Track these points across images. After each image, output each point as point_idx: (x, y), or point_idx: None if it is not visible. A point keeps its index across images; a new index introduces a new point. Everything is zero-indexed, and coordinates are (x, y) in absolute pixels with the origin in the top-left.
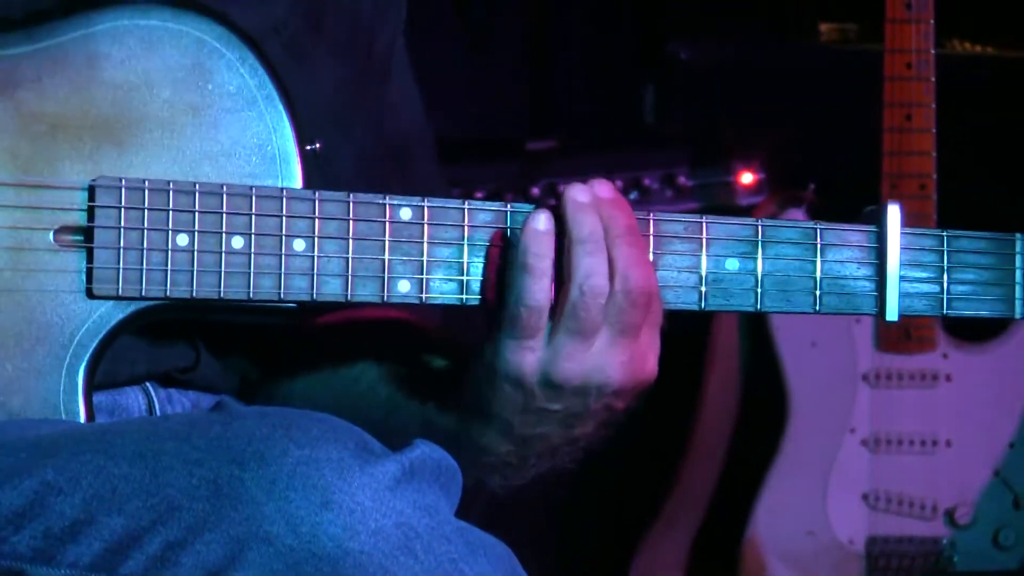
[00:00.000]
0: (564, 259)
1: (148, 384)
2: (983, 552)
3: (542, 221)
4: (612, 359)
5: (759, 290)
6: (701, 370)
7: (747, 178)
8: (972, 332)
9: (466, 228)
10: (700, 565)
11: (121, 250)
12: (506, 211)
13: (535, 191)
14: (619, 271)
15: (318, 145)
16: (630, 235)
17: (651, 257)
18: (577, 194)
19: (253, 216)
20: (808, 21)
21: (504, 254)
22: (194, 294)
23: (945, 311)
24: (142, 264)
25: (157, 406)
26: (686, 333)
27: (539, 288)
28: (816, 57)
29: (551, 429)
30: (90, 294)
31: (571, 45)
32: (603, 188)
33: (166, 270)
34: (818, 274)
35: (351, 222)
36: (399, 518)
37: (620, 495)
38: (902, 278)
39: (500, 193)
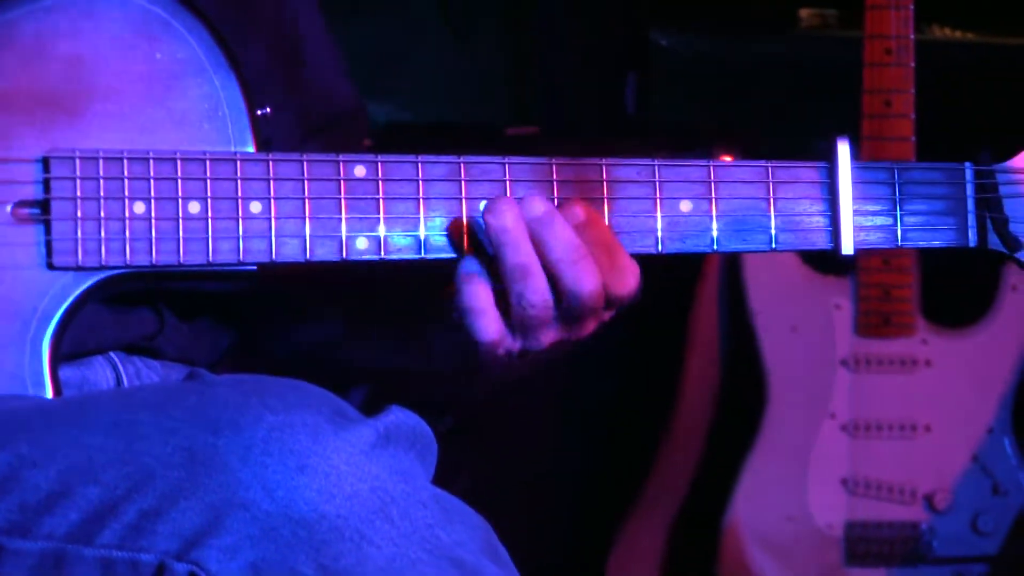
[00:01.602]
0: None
1: (115, 356)
2: (962, 537)
3: (471, 265)
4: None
5: (715, 230)
6: (680, 355)
7: None
8: (951, 317)
9: (420, 183)
10: (678, 550)
11: (79, 221)
12: (459, 163)
13: None
14: (566, 290)
15: (268, 110)
16: (570, 254)
17: (605, 205)
18: (499, 217)
19: (208, 181)
20: (788, 8)
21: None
22: (154, 261)
23: (900, 243)
24: (100, 234)
25: (125, 379)
26: (665, 318)
27: (481, 323)
28: (796, 44)
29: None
30: (51, 266)
31: (553, 32)
32: (534, 205)
33: (124, 239)
34: (772, 211)
35: (306, 182)
36: (375, 483)
37: (599, 480)
38: (855, 212)
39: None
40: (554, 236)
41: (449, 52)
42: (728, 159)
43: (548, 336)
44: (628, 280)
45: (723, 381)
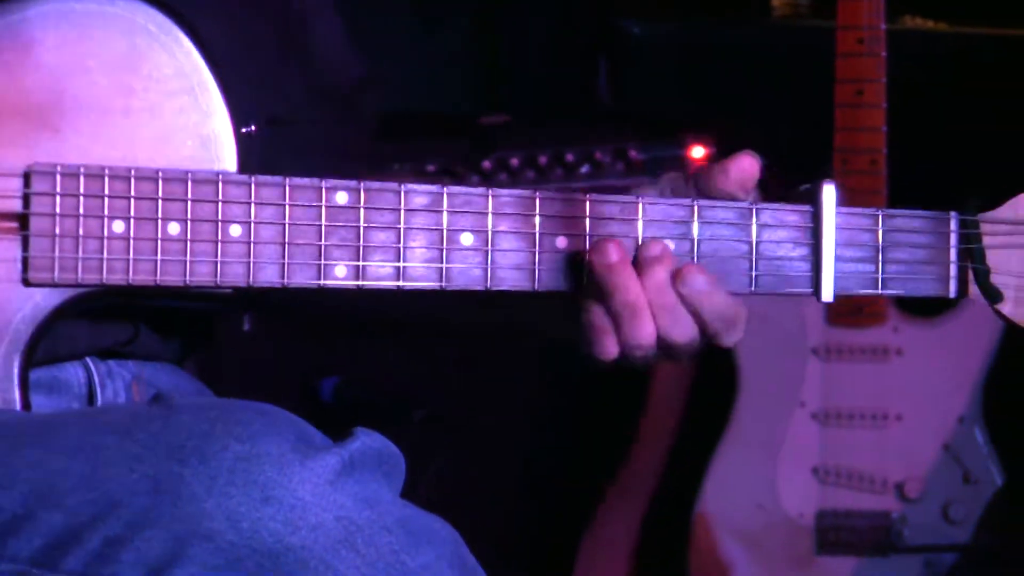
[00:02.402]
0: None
1: (88, 359)
2: (933, 526)
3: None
4: None
5: (685, 264)
6: None
7: (698, 152)
8: (923, 306)
9: (402, 212)
10: (650, 540)
11: (57, 238)
12: (442, 193)
13: (486, 165)
14: (661, 334)
15: (253, 128)
16: (661, 297)
17: (587, 241)
18: (607, 255)
19: (189, 202)
20: None
21: None
22: (130, 281)
23: (880, 290)
24: (78, 252)
25: (97, 379)
26: None
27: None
28: (768, 33)
29: None
30: (26, 282)
31: (524, 20)
32: (652, 248)
33: (102, 258)
34: (754, 254)
35: (287, 207)
36: (340, 512)
37: (570, 470)
38: (838, 257)
39: (452, 167)
40: (652, 278)
41: (420, 41)
42: (700, 148)
43: (652, 363)
44: (739, 332)
45: (694, 370)
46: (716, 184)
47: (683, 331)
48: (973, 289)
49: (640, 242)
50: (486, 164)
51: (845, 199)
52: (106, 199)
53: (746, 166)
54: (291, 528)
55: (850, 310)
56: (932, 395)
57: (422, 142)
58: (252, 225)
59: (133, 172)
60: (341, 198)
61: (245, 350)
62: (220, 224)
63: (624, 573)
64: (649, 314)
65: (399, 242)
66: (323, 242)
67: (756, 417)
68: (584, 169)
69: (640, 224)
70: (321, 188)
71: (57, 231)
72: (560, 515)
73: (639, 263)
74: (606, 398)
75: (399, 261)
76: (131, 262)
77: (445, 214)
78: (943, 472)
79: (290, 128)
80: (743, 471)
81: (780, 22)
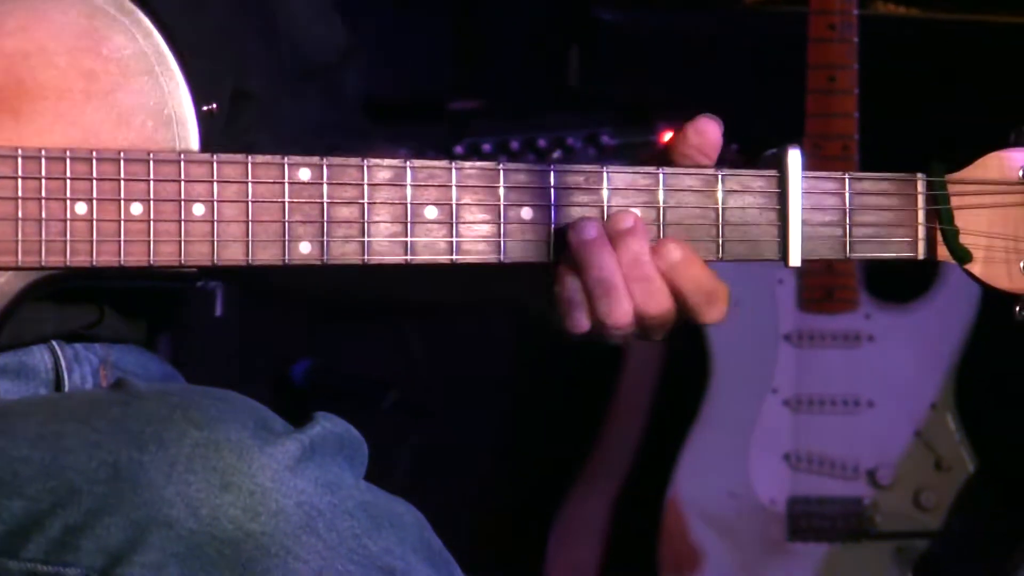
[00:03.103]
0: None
1: (54, 342)
2: (904, 513)
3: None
4: None
5: (660, 239)
6: None
7: (670, 138)
8: (895, 293)
9: (366, 187)
10: (621, 525)
11: (19, 221)
12: (405, 167)
13: (458, 150)
14: (636, 308)
15: (215, 106)
16: (637, 271)
17: (552, 212)
18: (584, 232)
19: (151, 182)
20: None
21: None
22: (94, 263)
23: (848, 254)
24: (41, 235)
25: (64, 364)
26: None
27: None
28: (741, 19)
29: None
30: None
31: (496, 6)
32: (623, 220)
33: (65, 240)
34: (720, 221)
35: (250, 184)
36: (300, 497)
37: (541, 455)
38: (804, 222)
39: (423, 153)
40: (627, 251)
41: (392, 26)
42: (672, 133)
43: (626, 339)
44: (721, 310)
45: (666, 356)
46: (678, 149)
47: (657, 305)
48: (942, 250)
49: (606, 211)
50: (458, 149)
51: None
52: (68, 181)
53: (704, 128)
54: (251, 514)
55: (822, 296)
56: (904, 381)
57: (393, 127)
58: (215, 203)
59: (95, 154)
60: (304, 174)
61: (217, 335)
62: (183, 203)
63: (595, 557)
64: (625, 291)
65: (363, 217)
66: (287, 219)
67: (728, 403)
68: (556, 155)
69: (605, 193)
70: (284, 165)
71: (20, 214)
72: (531, 499)
73: (611, 236)
74: (578, 382)
75: (364, 236)
76: (95, 244)
77: (409, 188)
78: (915, 459)
79: (266, 105)
80: (715, 457)
81: (752, 8)
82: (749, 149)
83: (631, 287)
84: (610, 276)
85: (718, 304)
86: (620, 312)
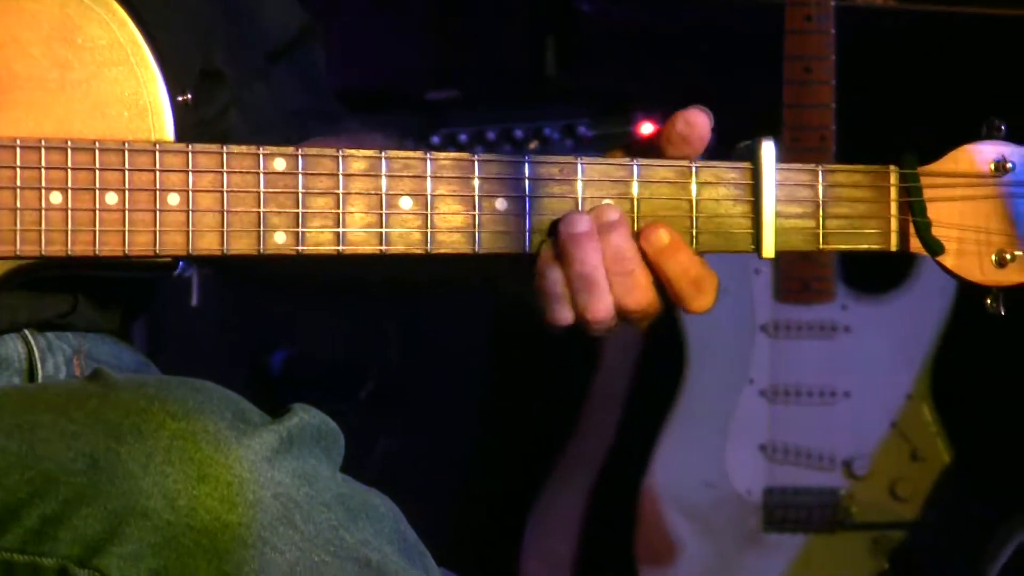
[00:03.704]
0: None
1: (27, 332)
2: (880, 503)
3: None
4: None
5: (635, 229)
6: None
7: (647, 129)
8: (871, 283)
9: (340, 177)
10: (597, 516)
11: None
12: (380, 158)
13: (435, 140)
14: (617, 300)
15: (190, 96)
16: (620, 265)
17: (527, 203)
18: (574, 225)
19: (126, 172)
20: None
21: None
22: (69, 252)
23: (821, 246)
24: (16, 225)
25: (37, 353)
26: None
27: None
28: (718, 9)
29: None
30: None
31: None
32: (608, 213)
33: (40, 230)
34: (694, 212)
35: (225, 174)
36: (277, 488)
37: (517, 445)
38: (778, 214)
39: (399, 142)
40: (609, 244)
41: (369, 16)
42: (649, 124)
43: (608, 332)
44: (708, 299)
45: (643, 347)
46: (666, 137)
47: (637, 300)
48: (915, 243)
49: (580, 203)
50: (435, 139)
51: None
52: (43, 171)
53: (693, 120)
54: (228, 506)
55: (799, 287)
56: (880, 372)
57: (370, 117)
58: (190, 193)
59: (69, 143)
60: (279, 164)
61: (193, 325)
62: (158, 193)
63: (571, 548)
64: (606, 287)
65: (338, 207)
66: (262, 209)
67: (704, 394)
68: (533, 145)
69: (579, 184)
70: (259, 155)
71: None
72: (506, 490)
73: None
74: (554, 373)
75: (338, 226)
76: (70, 233)
77: (383, 178)
78: (891, 449)
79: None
80: (691, 447)
81: None
82: (726, 140)
83: (612, 281)
84: (592, 271)
85: (706, 293)
86: (600, 307)
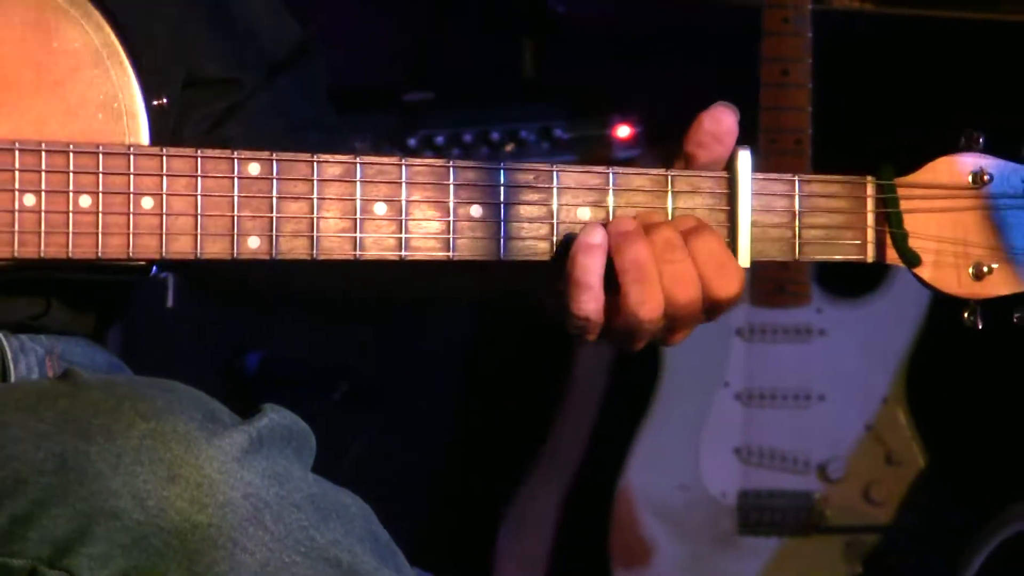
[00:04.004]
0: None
1: (0, 333)
2: (855, 507)
3: (597, 236)
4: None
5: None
6: None
7: (624, 131)
8: (846, 287)
9: (315, 182)
10: (572, 518)
11: None
12: (355, 163)
13: (412, 142)
14: (664, 292)
15: (165, 100)
16: (668, 252)
17: (501, 210)
18: (621, 225)
19: (100, 175)
20: None
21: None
22: (42, 255)
23: (798, 256)
24: None
25: (10, 354)
26: None
27: (587, 299)
28: (695, 12)
29: None
30: None
31: None
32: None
33: (13, 231)
34: None
35: (199, 178)
36: (247, 489)
37: (492, 447)
38: (754, 223)
39: (376, 145)
40: (661, 234)
41: (346, 16)
42: (626, 127)
43: (640, 343)
44: (732, 285)
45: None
46: (693, 138)
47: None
48: (891, 254)
49: (555, 210)
50: (411, 142)
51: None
52: (17, 172)
53: (720, 116)
54: (198, 506)
55: (774, 290)
56: (855, 376)
57: (346, 118)
58: (164, 197)
59: (44, 145)
60: (254, 169)
61: (169, 325)
62: (132, 196)
63: (545, 550)
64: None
65: (312, 212)
66: (236, 213)
67: (679, 396)
68: (509, 148)
69: (555, 192)
70: (233, 159)
71: None
72: (481, 491)
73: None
74: (530, 374)
75: (312, 232)
76: (43, 235)
77: (358, 184)
78: (865, 453)
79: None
80: (666, 450)
81: (707, 1)
82: None
83: (663, 271)
84: (646, 263)
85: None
86: (654, 300)
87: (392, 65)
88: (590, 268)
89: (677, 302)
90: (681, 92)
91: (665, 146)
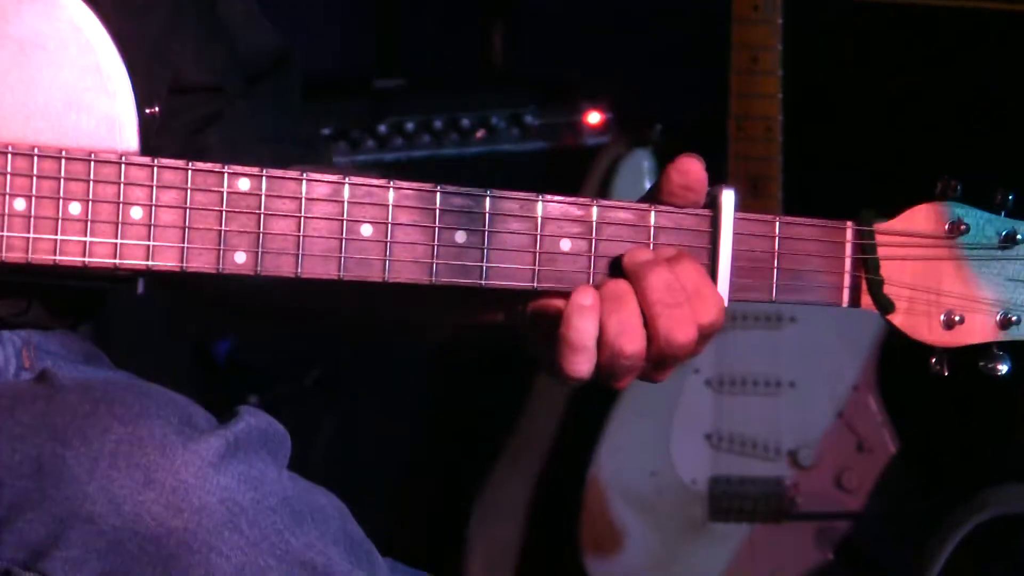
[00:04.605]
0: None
1: None
2: (825, 494)
3: (588, 297)
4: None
5: (592, 272)
6: None
7: (594, 118)
8: None
9: (303, 201)
10: (543, 505)
11: None
12: (343, 184)
13: (382, 129)
14: (661, 335)
15: (157, 109)
16: (667, 296)
17: (485, 237)
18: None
19: (91, 182)
20: None
21: None
22: (29, 259)
23: (774, 297)
24: None
25: None
26: None
27: (582, 361)
28: None
29: None
30: None
31: None
32: (638, 253)
33: (2, 235)
34: None
35: (189, 191)
36: (223, 494)
37: (463, 434)
38: (734, 264)
39: (347, 131)
40: (656, 277)
41: (316, 3)
42: (596, 113)
43: (626, 381)
44: (711, 311)
45: None
46: (664, 190)
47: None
48: (866, 299)
49: (539, 240)
50: (381, 128)
51: (740, 167)
52: (8, 176)
53: (686, 168)
54: (173, 511)
55: None
56: (826, 363)
57: (316, 105)
58: (153, 208)
59: (36, 151)
60: (243, 184)
61: (139, 313)
62: (121, 206)
63: (517, 536)
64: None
65: (299, 231)
66: (223, 227)
67: (649, 383)
68: (479, 134)
69: (539, 222)
70: (224, 173)
71: None
72: (453, 478)
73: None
74: (500, 360)
75: (298, 250)
76: (31, 240)
77: (346, 204)
78: (837, 440)
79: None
80: (637, 437)
81: None
82: (673, 129)
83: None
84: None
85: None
86: (686, 329)
87: (363, 52)
88: (584, 330)
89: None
90: (651, 78)
91: (634, 134)
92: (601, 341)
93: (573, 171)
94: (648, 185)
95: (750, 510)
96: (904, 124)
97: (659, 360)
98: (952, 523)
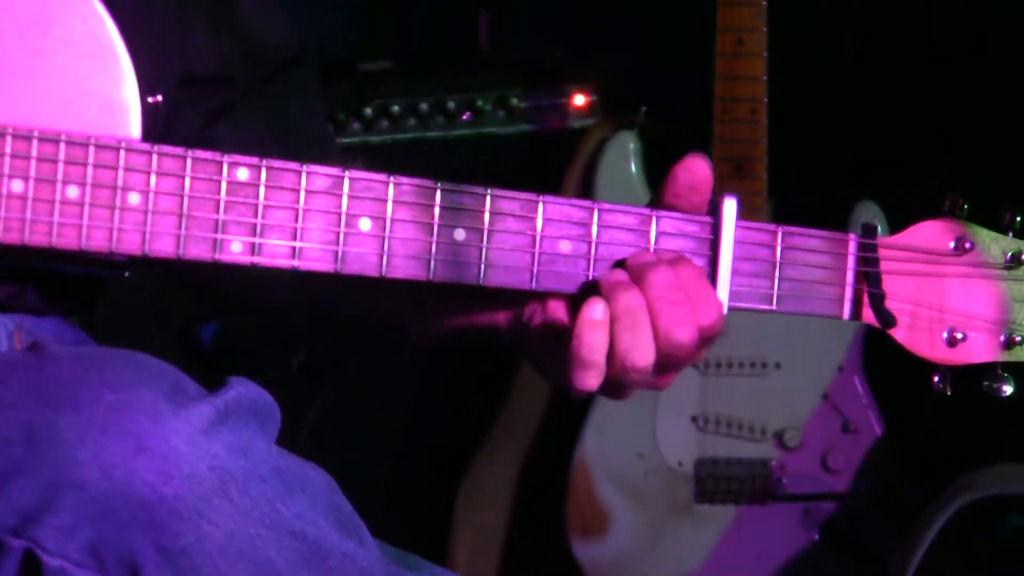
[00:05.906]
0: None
1: None
2: (811, 475)
3: (599, 311)
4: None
5: (590, 275)
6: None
7: (580, 100)
8: None
9: (302, 193)
10: (529, 487)
11: None
12: (343, 177)
13: (368, 112)
14: (661, 333)
15: (160, 97)
16: (668, 293)
17: (484, 236)
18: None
19: (90, 167)
20: None
21: None
22: (26, 241)
23: (775, 306)
24: None
25: None
26: None
27: (593, 376)
28: None
29: None
30: None
31: None
32: (640, 255)
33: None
34: None
35: (187, 179)
36: (214, 461)
37: (449, 416)
38: (734, 271)
39: (332, 114)
40: (658, 276)
41: None
42: (581, 96)
43: (631, 392)
44: (711, 314)
45: None
46: (670, 190)
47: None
48: (867, 312)
49: (538, 240)
50: (367, 111)
51: (725, 150)
52: (7, 158)
53: (692, 167)
54: (164, 478)
55: None
56: (812, 344)
57: None
58: (151, 194)
59: (36, 133)
60: (242, 174)
61: (125, 296)
62: (119, 191)
63: (502, 519)
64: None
65: (297, 222)
66: (221, 216)
67: None
68: (465, 117)
69: (539, 222)
70: (223, 163)
71: None
72: (439, 461)
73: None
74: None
75: (295, 241)
76: (28, 222)
77: (345, 198)
78: (822, 421)
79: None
80: (623, 419)
81: None
82: (658, 112)
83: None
84: (638, 310)
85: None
86: (688, 325)
87: (348, 35)
88: (596, 347)
89: (676, 341)
90: (638, 61)
91: (620, 117)
92: (611, 354)
93: (559, 153)
94: (633, 167)
95: (736, 491)
96: (891, 107)
97: (660, 362)
98: (938, 504)
